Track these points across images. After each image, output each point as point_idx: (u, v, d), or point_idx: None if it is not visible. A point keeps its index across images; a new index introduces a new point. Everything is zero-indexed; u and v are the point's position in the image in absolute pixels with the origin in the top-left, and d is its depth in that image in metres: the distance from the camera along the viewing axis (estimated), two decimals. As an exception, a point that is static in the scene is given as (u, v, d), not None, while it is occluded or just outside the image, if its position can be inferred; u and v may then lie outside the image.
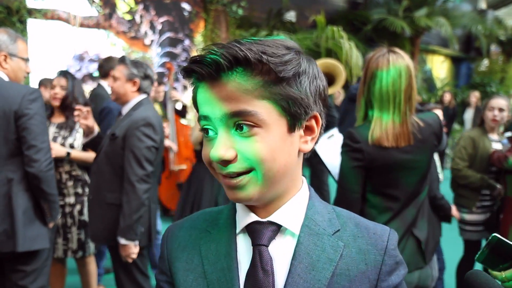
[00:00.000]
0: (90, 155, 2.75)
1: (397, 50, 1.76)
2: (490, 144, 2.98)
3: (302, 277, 0.71)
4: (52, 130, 2.77)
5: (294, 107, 0.69)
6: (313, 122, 0.73)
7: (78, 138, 2.81)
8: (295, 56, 0.70)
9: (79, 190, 2.82)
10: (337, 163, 1.88)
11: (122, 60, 2.48)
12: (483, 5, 14.20)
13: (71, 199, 2.79)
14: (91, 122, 2.50)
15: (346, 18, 9.61)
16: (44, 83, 3.76)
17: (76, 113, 2.46)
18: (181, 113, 5.39)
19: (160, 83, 5.03)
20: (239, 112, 0.66)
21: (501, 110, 2.98)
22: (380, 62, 1.72)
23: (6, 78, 2.12)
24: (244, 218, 0.75)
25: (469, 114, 8.31)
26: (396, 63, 1.70)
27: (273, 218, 0.74)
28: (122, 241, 2.28)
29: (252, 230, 0.74)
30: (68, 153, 2.71)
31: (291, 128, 0.70)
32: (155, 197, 2.55)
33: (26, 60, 2.25)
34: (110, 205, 2.35)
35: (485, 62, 14.10)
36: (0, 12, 5.25)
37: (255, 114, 0.66)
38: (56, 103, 2.78)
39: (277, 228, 0.74)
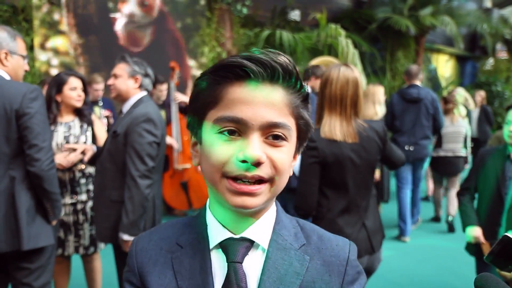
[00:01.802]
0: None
1: (350, 65, 2.08)
2: None
3: None
4: (61, 130, 2.79)
5: (306, 134, 0.76)
6: (296, 154, 0.78)
7: (89, 136, 2.87)
8: None
9: (91, 187, 2.85)
10: (297, 161, 2.13)
11: (123, 58, 2.51)
12: (488, 3, 14.10)
13: (83, 197, 2.82)
14: (90, 151, 2.59)
15: (350, 17, 9.56)
16: (48, 81, 3.78)
17: (78, 153, 2.61)
18: (186, 112, 5.37)
19: (162, 82, 5.02)
20: (279, 124, 0.69)
21: None
22: (332, 71, 2.04)
23: (7, 76, 2.12)
24: (218, 234, 0.76)
25: (474, 114, 8.25)
26: (345, 73, 2.02)
27: (246, 234, 0.75)
28: (125, 237, 2.28)
29: (226, 246, 0.75)
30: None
31: (296, 151, 0.77)
32: (160, 193, 2.56)
33: (25, 57, 2.25)
34: (115, 203, 2.36)
35: (491, 61, 14.01)
36: (5, 11, 5.27)
37: (289, 129, 0.70)
38: (80, 104, 2.84)
39: (250, 244, 0.75)
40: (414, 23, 9.65)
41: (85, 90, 2.88)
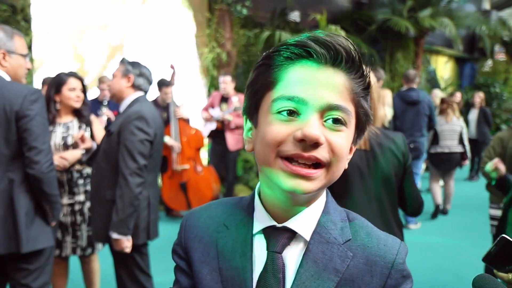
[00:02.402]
0: None
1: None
2: None
3: (307, 286, 0.70)
4: (60, 130, 2.79)
5: (364, 123, 0.73)
6: (353, 145, 0.75)
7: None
8: None
9: (89, 188, 2.84)
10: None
11: (121, 60, 2.55)
12: (487, 5, 14.13)
13: (81, 197, 2.81)
14: (89, 143, 2.57)
15: (350, 18, 9.55)
16: (48, 81, 3.77)
17: (77, 141, 2.57)
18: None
19: (168, 85, 5.04)
20: (339, 107, 0.67)
21: None
22: None
23: (7, 77, 2.10)
24: (262, 220, 0.75)
25: (473, 115, 8.26)
26: None
27: (289, 224, 0.73)
28: (114, 235, 2.28)
29: (268, 234, 0.74)
30: (83, 154, 2.76)
31: (354, 141, 0.74)
32: (156, 193, 2.55)
33: (25, 56, 2.22)
34: (110, 202, 2.36)
35: (489, 63, 14.04)
36: (4, 11, 5.26)
37: (349, 114, 0.68)
38: (78, 105, 2.83)
39: (292, 235, 0.73)
40: (414, 24, 9.65)
41: (84, 90, 2.88)
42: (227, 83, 5.50)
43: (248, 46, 7.18)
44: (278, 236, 0.73)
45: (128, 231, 2.30)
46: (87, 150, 2.64)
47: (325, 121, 0.67)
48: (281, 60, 0.68)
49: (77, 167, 2.79)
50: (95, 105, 4.79)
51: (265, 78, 0.70)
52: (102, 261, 3.20)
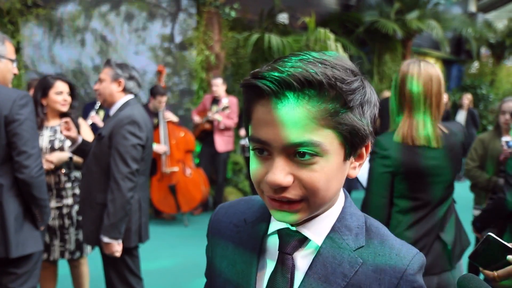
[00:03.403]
0: None
1: (428, 61, 1.87)
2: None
3: (314, 287, 0.72)
4: (47, 134, 2.76)
5: (355, 138, 0.68)
6: (363, 149, 0.73)
7: None
8: (361, 83, 0.68)
9: (77, 191, 2.82)
10: (364, 171, 2.00)
11: (108, 62, 2.51)
12: (473, 8, 14.32)
13: (69, 200, 2.79)
14: (73, 132, 2.52)
15: (338, 20, 9.60)
16: (34, 84, 3.74)
17: (62, 126, 2.49)
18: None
19: (163, 94, 5.02)
20: (303, 143, 0.63)
21: None
22: (411, 67, 1.82)
23: None
24: (277, 222, 0.77)
25: (461, 116, 8.36)
26: (427, 69, 1.81)
27: (302, 229, 0.74)
28: (105, 239, 2.28)
29: (281, 236, 0.76)
30: (71, 157, 2.73)
31: (347, 157, 0.70)
32: (146, 196, 2.55)
33: (13, 61, 2.22)
34: (101, 205, 2.35)
35: (476, 65, 14.22)
36: (-10, 13, 5.20)
37: (320, 144, 0.64)
38: (65, 109, 2.80)
39: (304, 238, 0.75)
40: (401, 26, 9.74)
41: (72, 94, 2.85)
42: (218, 85, 5.50)
43: (237, 49, 7.19)
44: (291, 239, 0.74)
45: (120, 235, 2.29)
46: (73, 142, 2.58)
47: (295, 156, 0.65)
48: (248, 95, 0.68)
49: (64, 170, 2.77)
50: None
51: (244, 112, 0.72)
52: (91, 264, 3.17)
